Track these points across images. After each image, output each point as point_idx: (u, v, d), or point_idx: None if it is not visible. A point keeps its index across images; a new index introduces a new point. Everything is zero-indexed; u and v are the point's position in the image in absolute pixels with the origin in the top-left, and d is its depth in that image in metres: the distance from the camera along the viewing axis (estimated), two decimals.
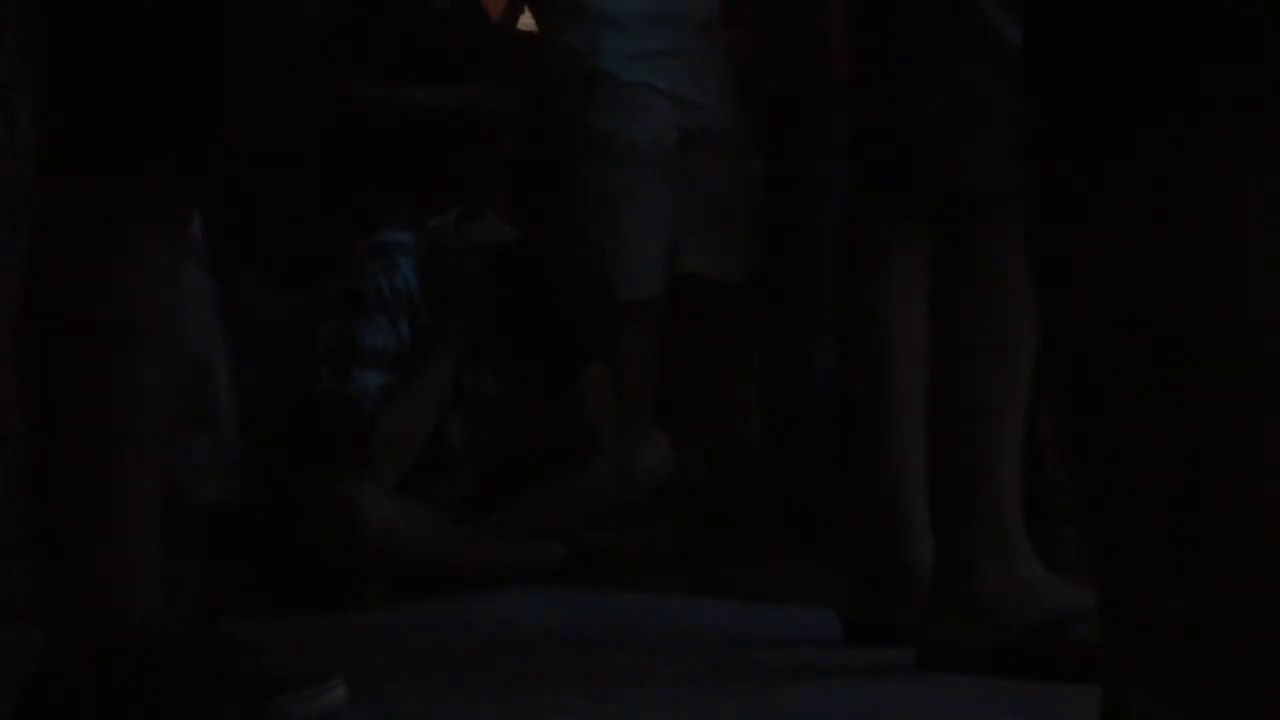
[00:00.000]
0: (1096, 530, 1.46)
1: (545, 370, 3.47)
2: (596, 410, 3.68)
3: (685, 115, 4.06)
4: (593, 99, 3.98)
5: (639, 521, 3.72)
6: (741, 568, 3.56)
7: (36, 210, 2.08)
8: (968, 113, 2.35)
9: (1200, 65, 1.26)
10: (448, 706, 2.34)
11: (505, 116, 4.32)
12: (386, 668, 2.61)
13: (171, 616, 1.99)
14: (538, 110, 4.16)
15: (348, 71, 4.15)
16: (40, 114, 2.02)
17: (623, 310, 3.91)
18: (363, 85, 4.15)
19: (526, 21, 4.50)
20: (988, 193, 2.34)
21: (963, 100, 2.36)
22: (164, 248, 1.97)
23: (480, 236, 3.47)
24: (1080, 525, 1.51)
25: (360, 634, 2.94)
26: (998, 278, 2.33)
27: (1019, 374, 2.35)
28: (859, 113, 2.59)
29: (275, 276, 4.02)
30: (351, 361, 3.30)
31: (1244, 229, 1.25)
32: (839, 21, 4.12)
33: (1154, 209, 1.27)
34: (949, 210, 2.39)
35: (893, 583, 2.52)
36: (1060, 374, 1.50)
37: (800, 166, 4.18)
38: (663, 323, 4.16)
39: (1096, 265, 1.37)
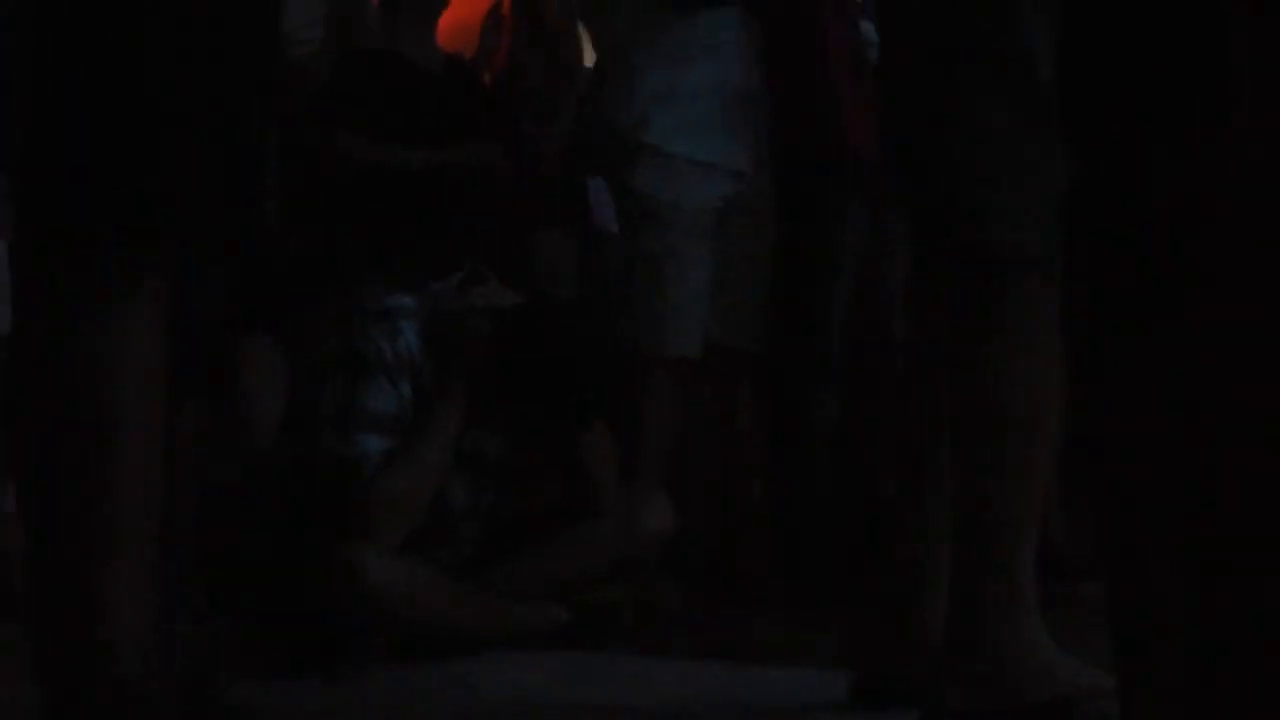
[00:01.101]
0: (1118, 602, 1.45)
1: (549, 431, 3.46)
2: (599, 469, 3.67)
3: (727, 185, 4.12)
4: (639, 168, 4.07)
5: (642, 581, 3.71)
6: (745, 627, 3.54)
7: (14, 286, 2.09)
8: (1007, 165, 2.33)
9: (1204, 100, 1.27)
10: None
11: (499, 176, 4.35)
12: None
13: (159, 676, 1.98)
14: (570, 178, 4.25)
15: (345, 133, 4.18)
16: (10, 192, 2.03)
17: (653, 368, 3.97)
18: (360, 147, 4.18)
19: None
20: (1023, 253, 2.31)
21: (1002, 152, 2.33)
22: (142, 313, 1.97)
23: (482, 300, 3.47)
24: (1102, 592, 1.50)
25: (361, 696, 2.92)
26: (1027, 343, 2.31)
27: (1046, 436, 2.34)
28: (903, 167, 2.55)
29: (279, 340, 4.03)
30: (353, 424, 3.30)
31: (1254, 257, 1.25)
32: (848, 84, 4.15)
33: (1172, 240, 1.28)
34: (983, 269, 2.36)
35: (907, 643, 2.51)
36: (1089, 411, 1.49)
37: (808, 223, 4.20)
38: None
39: (1123, 300, 1.37)
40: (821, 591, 3.89)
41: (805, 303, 4.19)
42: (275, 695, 2.63)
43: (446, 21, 4.63)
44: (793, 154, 4.20)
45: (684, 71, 4.09)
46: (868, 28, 4.17)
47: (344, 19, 4.68)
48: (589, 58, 4.70)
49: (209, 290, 3.48)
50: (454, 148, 4.28)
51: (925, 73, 2.39)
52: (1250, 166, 1.27)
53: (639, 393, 4.02)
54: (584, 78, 4.67)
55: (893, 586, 2.55)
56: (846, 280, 4.20)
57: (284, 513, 3.36)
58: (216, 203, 1.99)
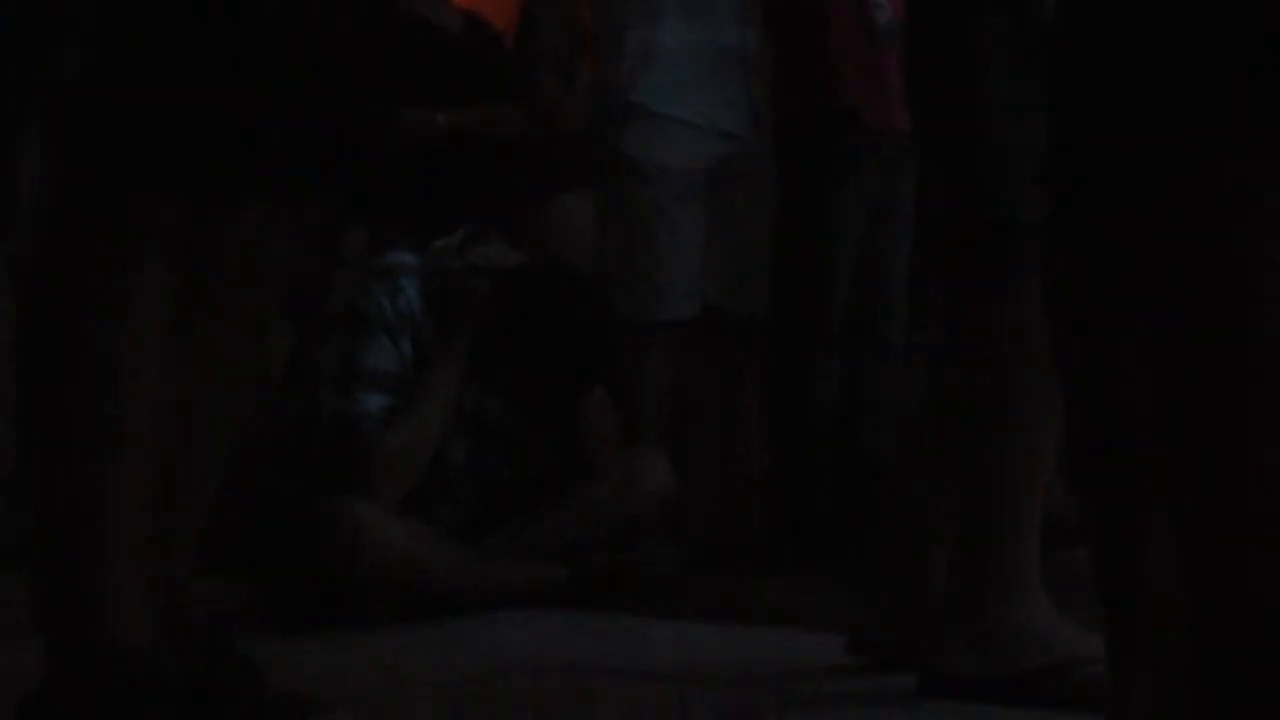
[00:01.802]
0: (1106, 565, 1.45)
1: (549, 393, 3.46)
2: (598, 432, 3.68)
3: (718, 146, 4.11)
4: (626, 129, 4.05)
5: (641, 544, 3.71)
6: (743, 592, 3.55)
7: (40, 228, 2.07)
8: (1022, 136, 2.32)
9: (1217, 97, 1.27)
10: None
11: (519, 137, 4.35)
12: (386, 689, 2.60)
13: (168, 636, 1.98)
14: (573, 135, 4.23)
15: (367, 95, 4.17)
16: (51, 134, 2.02)
17: (648, 331, 3.96)
18: (385, 108, 4.18)
19: None
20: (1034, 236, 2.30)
21: (1017, 123, 2.33)
22: (174, 266, 1.97)
23: (484, 259, 3.47)
24: (1091, 558, 1.50)
25: (361, 655, 2.93)
26: (1035, 331, 2.30)
27: (1052, 407, 2.34)
28: (925, 139, 2.55)
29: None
30: (354, 382, 3.30)
31: (1259, 258, 1.25)
32: (852, 48, 4.13)
33: (1173, 238, 1.28)
34: (1003, 238, 2.36)
35: (911, 602, 2.52)
36: (1075, 402, 1.49)
37: (810, 191, 4.18)
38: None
39: (1112, 290, 1.37)
40: (820, 557, 3.90)
41: (807, 270, 4.18)
42: (274, 654, 2.64)
43: None
44: (793, 119, 4.18)
45: (670, 30, 4.07)
46: None
47: None
48: None
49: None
50: (477, 108, 4.28)
51: (946, 47, 2.40)
52: (1258, 172, 1.26)
53: (634, 356, 4.01)
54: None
55: (892, 553, 2.56)
56: (849, 248, 4.19)
57: (284, 471, 3.36)
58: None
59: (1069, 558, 3.15)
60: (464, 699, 2.55)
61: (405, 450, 3.31)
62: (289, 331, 3.85)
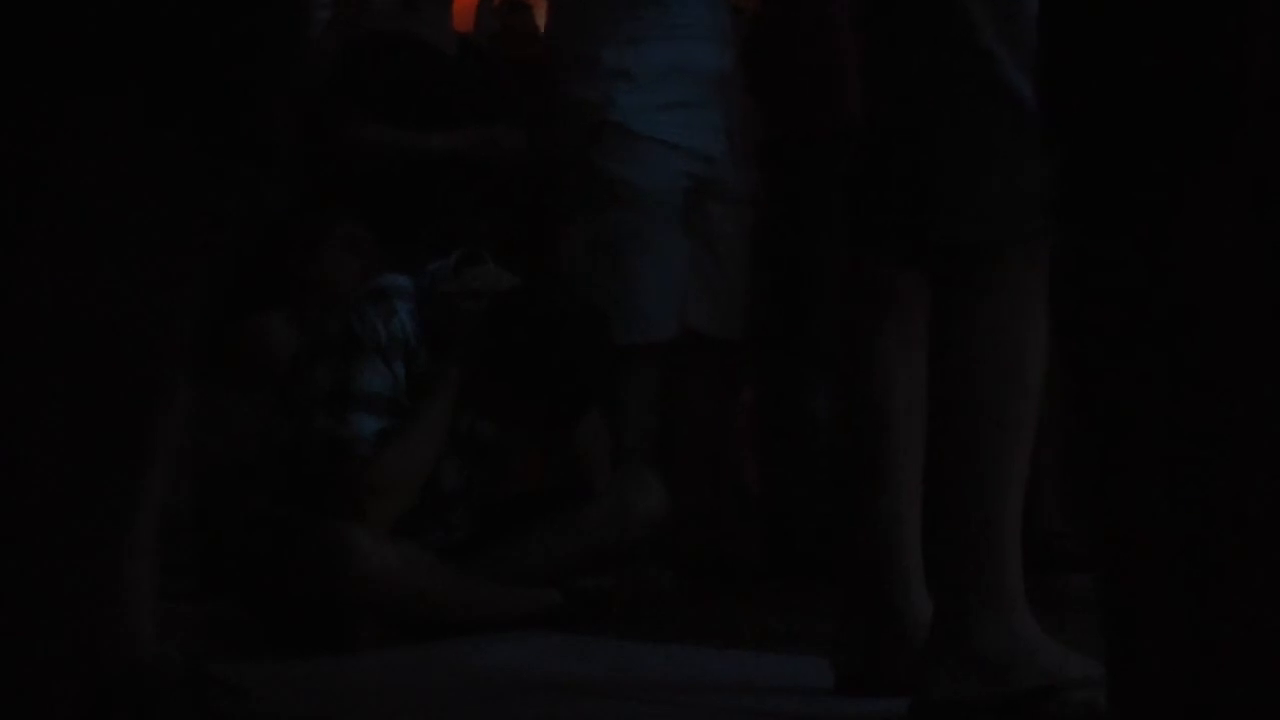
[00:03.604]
0: (1109, 588, 1.45)
1: (544, 415, 3.46)
2: (593, 454, 3.68)
3: (696, 167, 4.10)
4: (603, 148, 4.04)
5: (635, 567, 3.71)
6: (738, 615, 3.55)
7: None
8: (970, 159, 2.35)
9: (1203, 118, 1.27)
10: None
11: (514, 161, 4.35)
12: (378, 713, 2.60)
13: (167, 657, 1.98)
14: (547, 157, 4.21)
15: (361, 116, 4.19)
16: None
17: (628, 353, 3.95)
18: (376, 130, 4.19)
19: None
20: (990, 240, 2.33)
21: (965, 147, 2.35)
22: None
23: (478, 282, 3.47)
24: (1092, 580, 1.50)
25: (352, 679, 2.93)
26: (1000, 326, 2.32)
27: (1022, 425, 2.34)
28: (858, 160, 2.58)
29: (294, 315, 4.03)
30: (347, 405, 3.29)
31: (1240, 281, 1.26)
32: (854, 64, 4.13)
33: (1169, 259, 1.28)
34: (951, 258, 2.38)
35: (888, 634, 2.51)
36: (1081, 420, 1.49)
37: (802, 212, 4.18)
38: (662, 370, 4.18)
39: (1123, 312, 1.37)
40: (813, 579, 3.89)
41: (801, 290, 4.18)
42: (266, 676, 2.64)
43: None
44: (797, 137, 4.18)
45: (643, 53, 4.07)
46: None
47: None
48: None
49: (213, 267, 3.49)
50: (470, 131, 4.28)
51: (884, 70, 2.43)
52: (1257, 175, 1.26)
53: (619, 378, 4.00)
54: None
55: (867, 577, 2.55)
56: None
57: (277, 494, 3.36)
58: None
59: (1061, 582, 3.16)
60: None
61: (398, 474, 3.30)
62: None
